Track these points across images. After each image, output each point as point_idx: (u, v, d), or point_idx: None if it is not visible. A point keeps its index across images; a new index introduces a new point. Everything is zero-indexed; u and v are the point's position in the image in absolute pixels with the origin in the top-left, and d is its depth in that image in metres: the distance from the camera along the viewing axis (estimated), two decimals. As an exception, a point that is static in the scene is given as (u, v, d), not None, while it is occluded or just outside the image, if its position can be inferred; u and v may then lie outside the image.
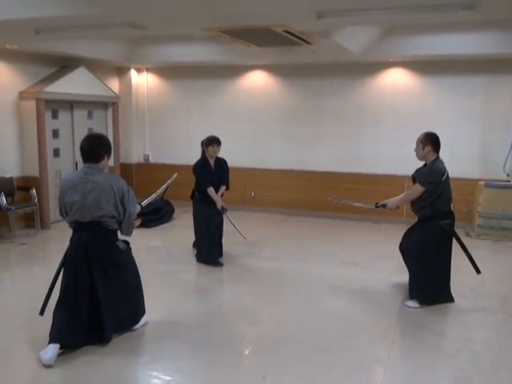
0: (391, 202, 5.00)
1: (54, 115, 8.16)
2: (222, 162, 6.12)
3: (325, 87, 8.76)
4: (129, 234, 3.94)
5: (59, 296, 3.80)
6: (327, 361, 3.71)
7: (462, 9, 4.22)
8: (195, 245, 6.39)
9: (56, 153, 8.22)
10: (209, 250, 6.01)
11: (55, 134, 8.18)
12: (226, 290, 5.47)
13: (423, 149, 4.65)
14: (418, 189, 4.63)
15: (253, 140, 9.26)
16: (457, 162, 7.99)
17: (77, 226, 3.80)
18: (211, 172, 5.96)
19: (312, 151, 8.93)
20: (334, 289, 5.27)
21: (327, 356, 3.79)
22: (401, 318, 4.54)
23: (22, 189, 7.62)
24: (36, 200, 7.52)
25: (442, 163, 4.65)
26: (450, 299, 4.86)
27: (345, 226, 8.35)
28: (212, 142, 5.98)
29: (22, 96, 7.67)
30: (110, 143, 3.93)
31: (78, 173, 3.83)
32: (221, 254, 6.15)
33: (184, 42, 8.17)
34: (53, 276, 3.90)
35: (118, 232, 3.91)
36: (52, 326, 3.71)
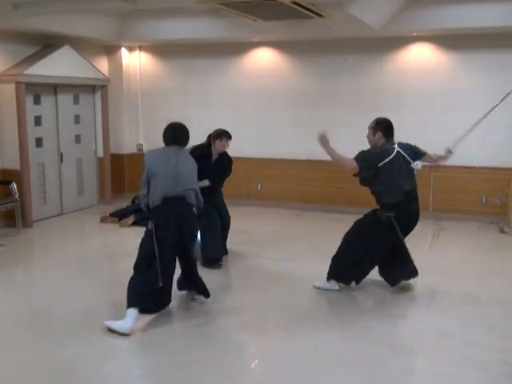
0: (333, 151, 5.21)
1: (36, 100, 8.26)
2: (225, 158, 6.14)
3: (340, 66, 8.78)
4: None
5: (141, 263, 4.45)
6: (345, 375, 3.77)
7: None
8: None
9: (39, 142, 8.33)
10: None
11: (37, 121, 8.28)
12: (228, 296, 5.51)
13: (374, 135, 5.02)
14: (351, 161, 4.99)
15: (259, 126, 9.30)
16: (490, 149, 8.03)
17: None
18: (207, 163, 5.95)
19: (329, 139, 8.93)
20: (353, 292, 5.32)
21: (344, 370, 3.84)
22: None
23: (0, 183, 7.73)
24: (17, 196, 7.62)
25: (391, 146, 4.91)
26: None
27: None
28: (220, 135, 6.04)
29: (0, 79, 7.75)
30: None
31: None
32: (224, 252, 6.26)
33: (181, 17, 8.22)
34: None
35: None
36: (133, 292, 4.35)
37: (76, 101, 8.99)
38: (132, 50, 9.95)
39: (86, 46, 9.07)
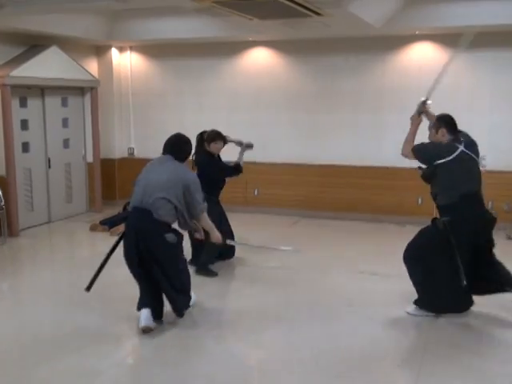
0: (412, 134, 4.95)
1: (23, 103, 8.22)
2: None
3: (340, 66, 8.75)
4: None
5: None
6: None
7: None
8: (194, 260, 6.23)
9: (25, 147, 8.28)
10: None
11: (24, 125, 8.24)
12: (226, 305, 5.48)
13: (437, 132, 4.76)
14: (410, 147, 4.81)
15: (256, 129, 9.25)
16: (496, 152, 7.99)
17: None
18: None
19: (325, 142, 8.93)
20: (352, 303, 5.27)
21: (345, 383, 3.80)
22: (430, 335, 4.54)
23: (-16, 190, 7.67)
24: (2, 203, 7.56)
25: (456, 145, 4.64)
26: (460, 309, 4.85)
27: (364, 228, 8.35)
28: (214, 138, 6.08)
29: (-15, 81, 7.72)
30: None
31: None
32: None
33: (173, 16, 8.19)
34: None
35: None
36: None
37: (64, 103, 8.94)
38: (123, 51, 9.91)
39: (74, 47, 9.02)
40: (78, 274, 6.23)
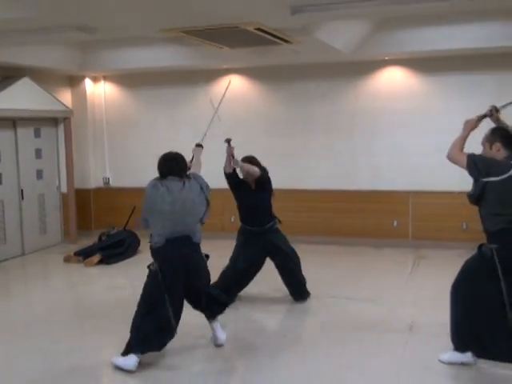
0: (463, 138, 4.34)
1: (-6, 135, 8.18)
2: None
3: (312, 92, 8.86)
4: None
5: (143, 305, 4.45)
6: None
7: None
8: None
9: (-3, 179, 8.22)
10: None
11: (-5, 157, 8.18)
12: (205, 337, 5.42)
13: (491, 148, 4.20)
14: (462, 154, 4.23)
15: (231, 156, 9.30)
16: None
17: None
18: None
19: (300, 167, 8.99)
20: (324, 328, 5.26)
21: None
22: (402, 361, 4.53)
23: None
24: (-26, 237, 7.47)
25: (510, 164, 4.06)
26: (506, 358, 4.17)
27: (341, 252, 8.37)
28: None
29: (-45, 114, 7.67)
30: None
31: None
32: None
33: (146, 45, 8.24)
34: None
35: None
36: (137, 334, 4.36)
37: (37, 134, 8.91)
38: (96, 81, 9.94)
39: (47, 77, 9.03)
40: (52, 307, 6.17)
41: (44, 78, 8.87)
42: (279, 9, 4.64)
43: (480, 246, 4.24)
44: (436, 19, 7.02)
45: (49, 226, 9.19)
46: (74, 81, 9.81)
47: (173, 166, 4.57)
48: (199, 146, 5.57)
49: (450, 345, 4.34)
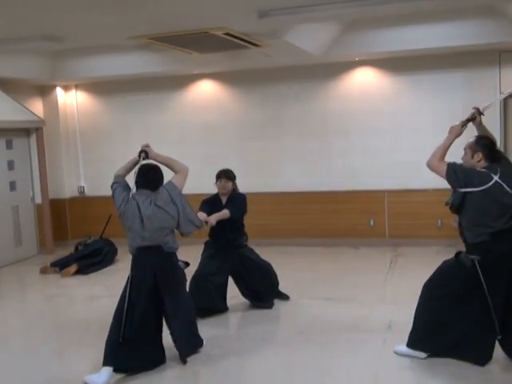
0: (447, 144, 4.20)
1: (-36, 148, 8.07)
2: (236, 197, 5.92)
3: (284, 94, 8.88)
4: None
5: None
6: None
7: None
8: None
9: (-31, 192, 8.10)
10: None
11: (-34, 170, 8.08)
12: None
13: (472, 156, 4.16)
14: (443, 162, 4.14)
15: (206, 160, 9.25)
16: (441, 171, 8.18)
17: None
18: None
19: (274, 169, 9.01)
20: (304, 330, 5.26)
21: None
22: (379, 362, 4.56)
23: None
24: None
25: (490, 175, 4.03)
26: (471, 359, 4.24)
27: (319, 253, 8.39)
28: (218, 176, 5.89)
29: None
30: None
31: None
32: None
33: (116, 52, 8.19)
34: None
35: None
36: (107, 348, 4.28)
37: (9, 146, 8.80)
38: (68, 89, 9.85)
39: (18, 88, 8.91)
40: (28, 320, 6.09)
41: (14, 88, 8.75)
42: (247, 13, 4.65)
43: (457, 254, 4.29)
44: (404, 20, 7.08)
45: (24, 238, 9.07)
46: (45, 90, 9.71)
47: (150, 177, 4.47)
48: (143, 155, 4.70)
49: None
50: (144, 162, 4.59)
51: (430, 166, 4.23)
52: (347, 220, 8.68)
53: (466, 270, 4.14)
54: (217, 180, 5.90)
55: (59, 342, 5.41)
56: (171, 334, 4.54)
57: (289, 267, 7.56)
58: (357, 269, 7.51)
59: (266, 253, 8.79)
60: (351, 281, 6.91)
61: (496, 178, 4.01)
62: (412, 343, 4.43)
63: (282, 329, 5.56)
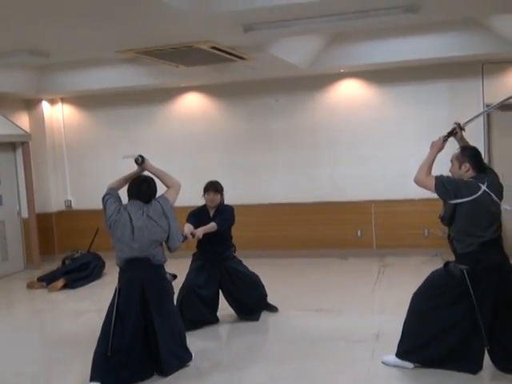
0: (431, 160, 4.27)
1: (-50, 163, 8.02)
2: (224, 208, 5.94)
3: (271, 106, 8.93)
4: None
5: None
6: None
7: (403, 12, 4.45)
8: None
9: (-46, 207, 8.04)
10: None
11: (-48, 184, 8.02)
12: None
13: (460, 167, 4.21)
14: (430, 176, 4.20)
15: (193, 173, 9.24)
16: (427, 181, 8.25)
17: None
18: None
19: (262, 181, 9.04)
20: (295, 341, 5.27)
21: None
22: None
23: None
24: None
25: (478, 184, 4.09)
26: (462, 368, 4.26)
27: (308, 264, 8.41)
28: (206, 188, 5.90)
29: None
30: None
31: None
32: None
33: (103, 66, 8.20)
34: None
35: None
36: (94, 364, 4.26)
37: (-6, 160, 8.77)
38: (54, 103, 9.84)
39: (3, 102, 8.88)
40: (16, 336, 6.04)
41: (0, 101, 8.73)
42: (232, 27, 4.69)
43: (446, 264, 4.31)
44: (388, 32, 7.17)
45: (10, 253, 9.01)
46: (31, 104, 9.69)
47: (143, 189, 4.50)
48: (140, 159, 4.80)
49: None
50: (139, 166, 4.70)
51: (417, 182, 4.27)
52: (335, 231, 8.72)
53: (455, 280, 4.16)
54: (205, 193, 5.92)
55: (47, 357, 5.36)
56: (158, 347, 4.49)
57: (277, 279, 7.57)
58: (345, 279, 7.53)
59: (254, 264, 8.81)
60: (339, 292, 6.94)
61: (484, 187, 4.06)
62: (401, 354, 4.45)
63: (271, 340, 5.56)
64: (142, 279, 4.40)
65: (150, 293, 4.41)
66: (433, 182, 4.15)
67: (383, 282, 7.24)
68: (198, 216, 5.77)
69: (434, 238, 8.24)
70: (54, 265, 8.62)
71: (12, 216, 9.07)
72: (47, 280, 7.89)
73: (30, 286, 7.93)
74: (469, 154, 4.24)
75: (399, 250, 8.37)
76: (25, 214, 9.21)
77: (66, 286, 7.76)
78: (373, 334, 5.28)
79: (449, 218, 4.17)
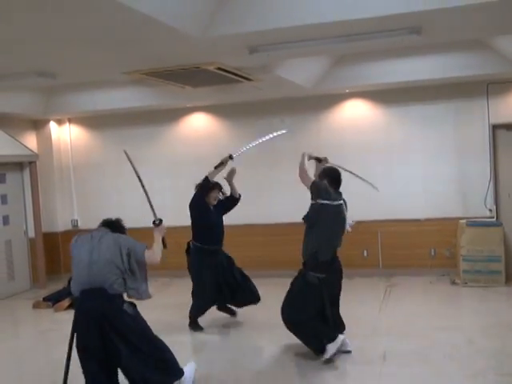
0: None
1: (-42, 182, 8.09)
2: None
3: (276, 127, 8.93)
4: None
5: None
6: None
7: (408, 33, 4.49)
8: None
9: (-38, 228, 8.08)
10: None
11: (-40, 204, 8.07)
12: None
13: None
14: (309, 178, 5.06)
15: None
16: (433, 201, 8.24)
17: None
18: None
19: (266, 201, 9.03)
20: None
21: None
22: None
23: None
24: None
25: (336, 199, 5.01)
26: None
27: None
28: (212, 187, 6.54)
29: None
30: None
31: None
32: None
33: (109, 87, 8.29)
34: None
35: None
36: None
37: (2, 180, 8.83)
38: (61, 123, 9.92)
39: (11, 122, 8.99)
40: (20, 356, 6.02)
41: (8, 122, 8.83)
42: (238, 49, 4.74)
43: (304, 274, 5.08)
44: (393, 53, 7.23)
45: (17, 272, 9.02)
46: (38, 124, 9.78)
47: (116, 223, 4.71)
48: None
49: (423, 372, 4.61)
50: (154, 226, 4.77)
51: (300, 176, 5.38)
52: (341, 251, 8.64)
53: (314, 286, 4.97)
54: (210, 191, 6.55)
55: (52, 378, 5.34)
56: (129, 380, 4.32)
57: (281, 299, 7.53)
58: (351, 300, 7.45)
59: (261, 284, 8.79)
60: (345, 312, 6.80)
61: (341, 201, 5.23)
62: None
63: (278, 362, 5.51)
64: (97, 309, 4.20)
65: (108, 324, 4.18)
66: (310, 182, 5.13)
67: (390, 302, 7.19)
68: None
69: (441, 257, 8.21)
70: (59, 284, 8.61)
71: (19, 235, 9.11)
72: (53, 300, 7.89)
73: (35, 305, 7.93)
74: (327, 174, 5.26)
75: (406, 270, 8.32)
76: (31, 233, 9.25)
77: (71, 306, 7.71)
78: (379, 354, 5.24)
79: (311, 218, 5.19)
